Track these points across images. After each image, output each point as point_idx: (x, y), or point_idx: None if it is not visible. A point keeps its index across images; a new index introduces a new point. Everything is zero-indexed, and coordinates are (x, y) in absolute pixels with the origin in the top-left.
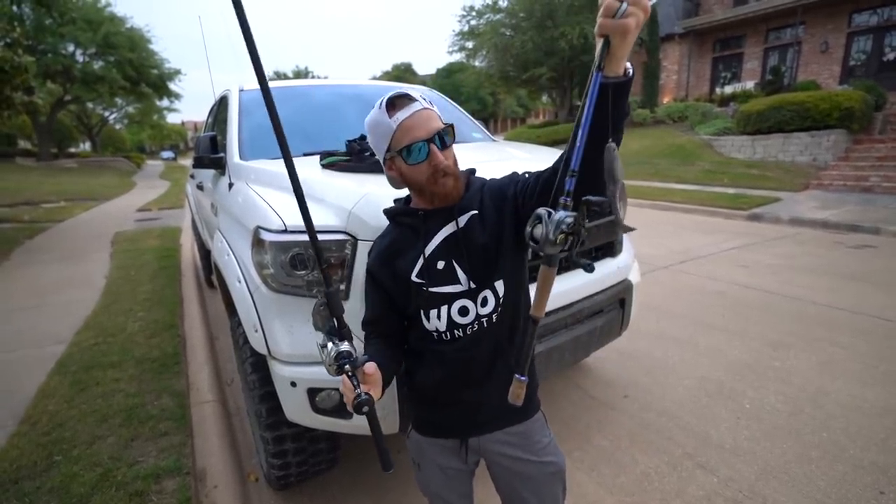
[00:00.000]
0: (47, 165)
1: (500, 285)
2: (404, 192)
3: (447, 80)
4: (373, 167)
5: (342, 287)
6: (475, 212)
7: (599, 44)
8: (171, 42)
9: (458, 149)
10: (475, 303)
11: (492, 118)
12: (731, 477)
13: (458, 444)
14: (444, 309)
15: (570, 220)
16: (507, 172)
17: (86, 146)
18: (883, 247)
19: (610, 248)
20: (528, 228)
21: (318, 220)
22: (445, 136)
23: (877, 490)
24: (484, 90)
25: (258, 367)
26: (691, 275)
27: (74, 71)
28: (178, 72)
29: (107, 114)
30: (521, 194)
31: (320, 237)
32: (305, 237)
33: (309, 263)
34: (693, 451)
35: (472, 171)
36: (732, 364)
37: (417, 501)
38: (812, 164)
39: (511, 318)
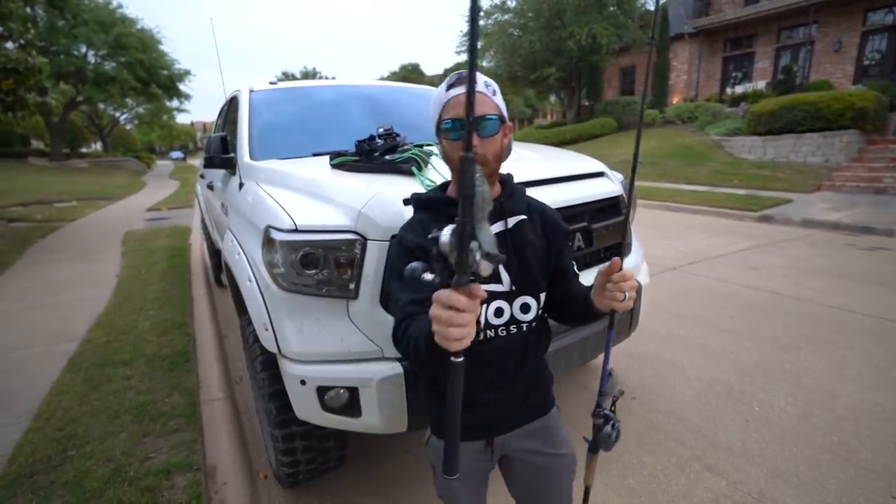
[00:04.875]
0: (59, 165)
1: (543, 297)
2: (413, 191)
3: None
4: (382, 167)
5: (351, 286)
6: (524, 217)
7: (609, 315)
8: (180, 43)
9: None
10: (511, 305)
11: None
12: (740, 480)
13: (482, 445)
14: (483, 307)
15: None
16: (517, 173)
17: (97, 146)
18: None
19: (618, 250)
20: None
21: (328, 219)
22: (485, 125)
23: (888, 494)
24: None
25: (268, 365)
26: (701, 276)
27: (87, 72)
28: (187, 73)
29: (117, 114)
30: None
31: (330, 237)
32: (316, 237)
33: (319, 263)
34: (701, 454)
35: (510, 176)
36: (742, 366)
37: (424, 498)
38: (824, 165)
39: (541, 325)
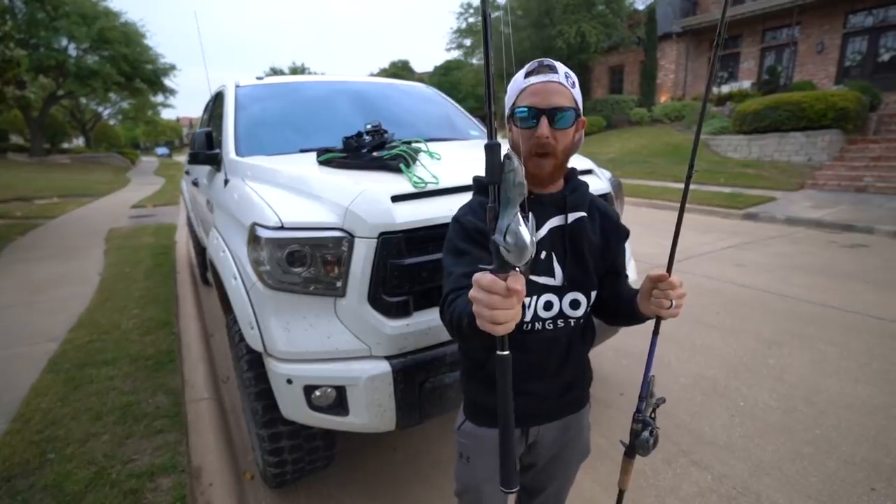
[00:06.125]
0: (40, 161)
1: (593, 294)
2: (401, 188)
3: (445, 78)
4: (370, 164)
5: (338, 284)
6: (584, 214)
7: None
8: (165, 37)
9: (454, 146)
10: (561, 300)
11: None
12: (725, 474)
13: (518, 434)
14: (534, 299)
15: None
16: None
17: (79, 142)
18: (876, 246)
19: None
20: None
21: (315, 217)
22: (559, 116)
23: (868, 486)
24: (481, 88)
25: (254, 364)
26: (687, 273)
27: (68, 66)
28: (172, 67)
29: (100, 109)
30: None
31: (316, 234)
32: (302, 234)
33: (306, 261)
34: (688, 449)
35: (575, 171)
36: (727, 362)
37: (413, 497)
38: (807, 164)
39: (587, 322)
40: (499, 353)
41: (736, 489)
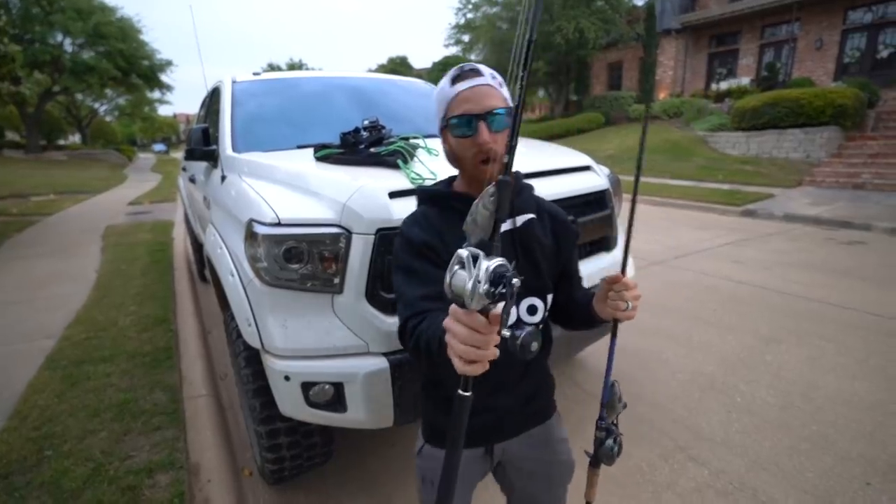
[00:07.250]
0: (36, 158)
1: (550, 298)
2: (398, 184)
3: (443, 74)
4: (367, 160)
5: (336, 281)
6: (533, 216)
7: (612, 324)
8: (164, 32)
9: None
10: (518, 307)
11: None
12: (722, 469)
13: (481, 452)
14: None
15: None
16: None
17: (75, 138)
18: (873, 243)
19: (605, 243)
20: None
21: (312, 213)
22: (495, 118)
23: (864, 481)
24: None
25: (252, 361)
26: (685, 270)
27: (63, 61)
28: (169, 63)
29: (97, 105)
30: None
31: (313, 231)
32: (299, 230)
33: (303, 257)
34: (685, 444)
35: (519, 174)
36: (725, 358)
37: (410, 494)
38: (805, 161)
39: (545, 329)
40: (460, 392)
41: (733, 484)
